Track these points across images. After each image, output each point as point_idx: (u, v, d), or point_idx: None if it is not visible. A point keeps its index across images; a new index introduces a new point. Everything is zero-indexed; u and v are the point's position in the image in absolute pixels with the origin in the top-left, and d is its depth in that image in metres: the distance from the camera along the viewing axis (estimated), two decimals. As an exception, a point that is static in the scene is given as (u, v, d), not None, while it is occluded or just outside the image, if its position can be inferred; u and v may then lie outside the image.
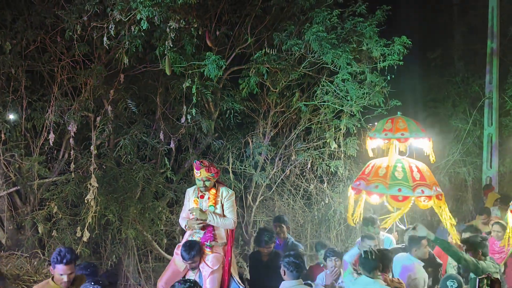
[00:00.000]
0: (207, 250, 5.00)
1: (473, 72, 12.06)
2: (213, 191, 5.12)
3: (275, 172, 8.73)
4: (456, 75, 12.31)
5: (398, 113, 6.56)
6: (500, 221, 7.14)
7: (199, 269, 4.97)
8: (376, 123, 7.11)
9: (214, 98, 8.17)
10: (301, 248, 6.28)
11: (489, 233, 7.08)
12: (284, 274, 4.32)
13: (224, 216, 5.08)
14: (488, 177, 10.83)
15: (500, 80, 11.03)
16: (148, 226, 7.47)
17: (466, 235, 6.45)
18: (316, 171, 8.81)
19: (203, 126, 8.00)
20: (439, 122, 11.55)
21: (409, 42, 8.05)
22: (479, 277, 3.29)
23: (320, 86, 8.42)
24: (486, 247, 5.50)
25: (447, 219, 5.98)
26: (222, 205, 5.10)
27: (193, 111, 7.52)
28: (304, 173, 8.98)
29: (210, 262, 4.95)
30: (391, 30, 8.88)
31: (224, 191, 5.14)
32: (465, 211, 10.96)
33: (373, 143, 6.41)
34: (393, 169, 5.93)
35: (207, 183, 5.02)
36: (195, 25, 7.25)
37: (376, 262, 4.43)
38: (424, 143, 6.13)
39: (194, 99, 7.48)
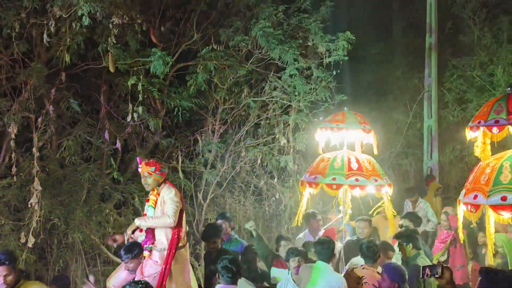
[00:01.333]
0: (146, 253, 4.78)
1: (413, 66, 12.54)
2: (155, 191, 4.88)
3: (225, 169, 8.67)
4: (397, 69, 12.76)
5: (345, 108, 6.77)
6: (446, 210, 7.45)
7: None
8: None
9: (161, 95, 8.01)
10: (244, 244, 6.27)
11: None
12: (219, 278, 4.15)
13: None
14: (429, 168, 11.32)
15: (439, 74, 11.55)
16: (95, 229, 7.25)
17: (405, 221, 6.74)
18: (266, 167, 8.85)
19: (150, 125, 7.82)
20: (382, 116, 11.89)
21: (353, 38, 8.28)
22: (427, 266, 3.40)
23: (268, 82, 8.50)
24: (417, 239, 5.53)
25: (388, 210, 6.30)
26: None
27: (140, 109, 7.36)
28: (255, 169, 8.99)
29: (144, 268, 4.75)
30: (336, 26, 9.11)
31: (165, 190, 4.84)
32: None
33: (320, 133, 6.66)
34: (333, 160, 6.32)
35: (149, 180, 4.79)
36: (139, 21, 7.10)
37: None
38: (359, 135, 6.46)
39: (140, 97, 7.33)
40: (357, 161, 6.24)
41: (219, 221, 6.38)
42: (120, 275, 4.91)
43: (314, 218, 6.56)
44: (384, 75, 12.76)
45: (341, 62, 8.41)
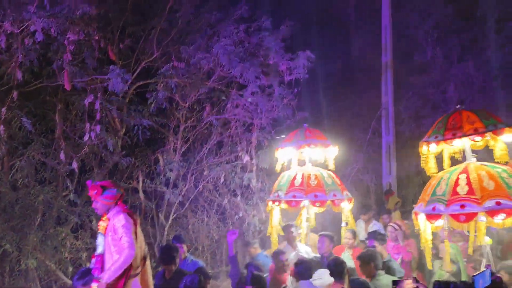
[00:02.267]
0: (94, 285, 4.34)
1: (370, 84, 12.84)
2: (105, 216, 4.53)
3: (187, 188, 8.49)
4: (355, 88, 13.05)
5: (304, 125, 6.83)
6: (392, 224, 7.50)
7: None
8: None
9: (120, 114, 7.79)
10: (201, 265, 6.05)
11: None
12: None
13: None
14: (388, 183, 11.53)
15: (395, 92, 11.88)
16: (51, 254, 6.89)
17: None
18: (229, 185, 8.74)
19: (108, 144, 7.56)
20: (342, 133, 12.09)
21: (312, 56, 8.39)
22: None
23: (230, 99, 8.43)
24: (377, 258, 5.47)
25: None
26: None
27: (97, 128, 7.11)
28: (218, 188, 8.86)
29: None
30: (295, 44, 9.21)
31: (114, 216, 4.45)
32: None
33: (280, 154, 6.75)
34: (281, 176, 6.60)
35: (97, 204, 4.50)
36: (96, 37, 6.90)
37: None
38: (318, 152, 6.56)
39: (98, 116, 7.09)
40: (302, 177, 6.34)
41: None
42: None
43: (290, 229, 6.50)
44: (343, 93, 13.00)
45: (301, 80, 8.48)
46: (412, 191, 11.64)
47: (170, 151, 8.47)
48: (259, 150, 8.66)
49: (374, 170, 11.99)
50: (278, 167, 6.79)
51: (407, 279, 3.48)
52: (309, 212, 6.39)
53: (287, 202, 6.27)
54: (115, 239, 4.39)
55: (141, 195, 8.21)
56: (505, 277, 4.87)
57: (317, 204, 6.21)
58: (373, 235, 6.97)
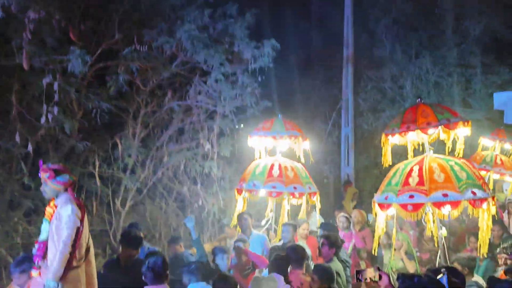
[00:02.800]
0: (34, 272, 4.16)
1: (331, 76, 13.01)
2: (52, 202, 4.29)
3: (146, 175, 8.34)
4: (317, 79, 13.17)
5: (279, 115, 6.74)
6: (343, 214, 7.69)
7: None
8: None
9: (78, 96, 7.52)
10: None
11: None
12: (145, 279, 4.04)
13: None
14: (346, 174, 11.78)
15: (355, 85, 12.08)
16: (1, 239, 6.59)
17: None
18: (190, 173, 8.64)
19: (65, 127, 7.28)
20: (302, 123, 12.20)
21: (278, 45, 8.37)
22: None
23: (193, 86, 8.31)
24: (340, 246, 5.62)
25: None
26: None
27: (55, 110, 6.84)
28: (177, 175, 8.74)
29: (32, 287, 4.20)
30: (260, 34, 9.16)
31: (62, 203, 4.19)
32: (327, 206, 11.73)
33: (250, 141, 6.67)
34: (257, 166, 6.42)
35: (45, 188, 4.24)
36: (57, 17, 6.60)
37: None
38: (286, 144, 6.51)
39: (55, 97, 6.82)
40: (280, 168, 6.26)
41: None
42: None
43: (244, 217, 6.46)
44: (305, 84, 13.10)
45: (266, 69, 8.46)
46: (370, 182, 11.92)
47: (129, 136, 8.27)
48: (220, 138, 8.60)
49: (332, 161, 12.19)
50: (257, 155, 6.68)
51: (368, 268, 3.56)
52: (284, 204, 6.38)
53: (268, 192, 6.15)
54: (59, 227, 4.17)
55: (97, 180, 7.99)
56: (458, 268, 5.08)
57: (296, 195, 6.18)
58: (325, 226, 7.11)
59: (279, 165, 6.31)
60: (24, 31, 6.13)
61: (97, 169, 7.98)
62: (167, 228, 8.78)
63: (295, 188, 6.16)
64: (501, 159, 7.98)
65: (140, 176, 8.29)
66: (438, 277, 3.29)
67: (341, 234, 7.24)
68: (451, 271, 3.71)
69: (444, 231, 5.17)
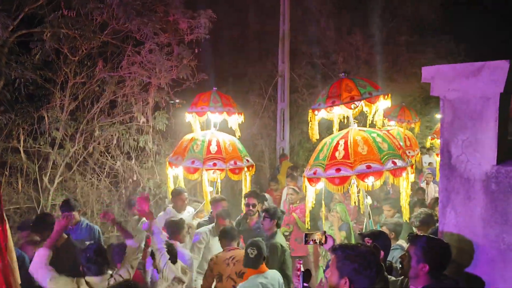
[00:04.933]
0: None
1: (268, 51, 13.01)
2: None
3: (76, 149, 7.89)
4: (253, 54, 13.11)
5: (214, 88, 6.60)
6: (292, 186, 7.85)
7: None
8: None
9: (-1, 64, 6.92)
10: (97, 229, 5.67)
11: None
12: (84, 271, 3.84)
13: None
14: (281, 148, 11.94)
15: (291, 60, 12.17)
16: None
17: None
18: (123, 147, 8.30)
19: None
20: (238, 98, 12.13)
21: (215, 16, 8.18)
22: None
23: (126, 56, 7.92)
24: (281, 218, 5.67)
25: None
26: None
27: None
28: (110, 150, 8.36)
29: None
30: (194, 4, 8.88)
31: None
32: (263, 179, 11.89)
33: (188, 116, 6.51)
34: (194, 142, 6.21)
35: None
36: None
37: None
38: (220, 118, 6.42)
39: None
40: (218, 144, 6.17)
41: (64, 213, 5.55)
42: None
43: (180, 195, 6.34)
44: (241, 58, 12.99)
45: (202, 41, 8.25)
46: (304, 156, 12.19)
47: (56, 108, 7.74)
48: (156, 111, 8.32)
49: (268, 136, 12.29)
50: (195, 129, 6.51)
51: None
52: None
53: (186, 168, 6.05)
54: None
55: (23, 155, 7.46)
56: (386, 232, 5.34)
57: (236, 171, 6.09)
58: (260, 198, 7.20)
59: (217, 141, 6.20)
60: None
61: (22, 144, 7.44)
62: (99, 205, 8.43)
63: (235, 163, 6.10)
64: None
65: (70, 151, 7.82)
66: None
67: (291, 208, 7.35)
68: (380, 235, 3.90)
69: (369, 200, 5.39)
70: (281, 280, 4.61)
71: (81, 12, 7.28)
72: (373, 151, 4.73)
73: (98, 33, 7.62)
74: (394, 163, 4.68)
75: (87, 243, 5.18)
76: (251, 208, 5.93)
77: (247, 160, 6.34)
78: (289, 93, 12.03)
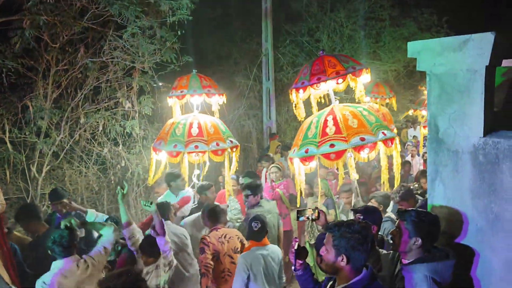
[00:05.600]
0: None
1: (251, 31, 12.89)
2: None
3: (62, 138, 7.81)
4: (236, 34, 12.99)
5: (194, 70, 6.61)
6: (276, 164, 7.92)
7: None
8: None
9: (-24, 54, 6.76)
10: (88, 217, 5.62)
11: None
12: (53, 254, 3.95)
13: None
14: (268, 127, 11.95)
15: (274, 39, 12.08)
16: None
17: (245, 180, 7.00)
18: (109, 134, 8.23)
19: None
20: (224, 79, 12.08)
21: (197, -4, 8.06)
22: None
23: (107, 41, 7.79)
24: (262, 189, 6.01)
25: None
26: None
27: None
28: (96, 137, 8.29)
29: None
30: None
31: None
32: (251, 159, 11.93)
33: (170, 101, 6.51)
34: (175, 126, 6.18)
35: None
36: None
37: None
38: (200, 100, 6.42)
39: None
40: (199, 126, 6.12)
41: (54, 203, 5.49)
42: None
43: (178, 178, 6.33)
44: (224, 39, 12.87)
45: (185, 22, 8.14)
46: (290, 135, 12.23)
47: (40, 97, 7.63)
48: (141, 95, 8.24)
49: (254, 116, 12.28)
50: (176, 113, 6.48)
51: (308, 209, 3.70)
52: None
53: (169, 152, 5.99)
54: None
55: (9, 146, 7.37)
56: (375, 205, 5.44)
57: (219, 152, 6.05)
58: (248, 174, 7.33)
59: (198, 124, 6.15)
60: None
61: (7, 134, 7.33)
62: (89, 192, 8.41)
63: (217, 144, 6.05)
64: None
65: (56, 140, 7.75)
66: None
67: (274, 185, 7.42)
68: (372, 211, 3.99)
69: (356, 175, 5.50)
70: (281, 256, 4.74)
71: (60, -2, 7.11)
72: (363, 124, 4.81)
73: (78, 19, 7.46)
74: (384, 133, 4.79)
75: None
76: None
77: (231, 141, 6.28)
78: (274, 72, 11.98)
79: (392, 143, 4.87)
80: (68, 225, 4.01)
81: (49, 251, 3.92)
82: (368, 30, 14.35)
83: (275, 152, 10.32)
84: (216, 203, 5.86)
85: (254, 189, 5.96)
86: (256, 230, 4.58)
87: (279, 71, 12.57)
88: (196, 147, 5.93)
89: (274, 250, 4.71)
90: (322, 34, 13.19)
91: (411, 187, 5.53)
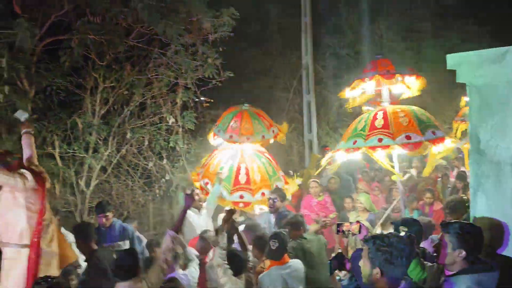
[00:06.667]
0: None
1: (290, 45, 12.93)
2: None
3: (109, 152, 8.06)
4: (275, 48, 13.07)
5: (245, 104, 6.20)
6: (314, 179, 7.73)
7: None
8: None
9: (28, 73, 7.06)
10: (131, 230, 5.67)
11: None
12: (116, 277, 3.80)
13: None
14: (309, 140, 11.86)
15: (314, 52, 12.07)
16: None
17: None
18: (155, 148, 8.43)
19: (17, 107, 6.83)
20: (262, 93, 12.16)
21: (237, 14, 8.18)
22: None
23: (152, 58, 8.03)
24: (303, 223, 5.37)
25: None
26: None
27: (5, 88, 6.41)
28: (142, 151, 8.51)
29: None
30: (219, 2, 8.88)
31: None
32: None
33: (216, 141, 6.28)
34: (221, 168, 5.90)
35: None
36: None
37: None
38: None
39: (5, 75, 6.38)
40: (247, 172, 5.78)
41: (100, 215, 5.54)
42: None
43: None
44: (264, 53, 12.98)
45: (226, 39, 8.28)
46: (332, 148, 12.09)
47: (88, 113, 7.92)
48: (184, 111, 8.41)
49: (295, 129, 12.25)
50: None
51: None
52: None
53: (234, 203, 5.70)
54: None
55: (58, 161, 7.65)
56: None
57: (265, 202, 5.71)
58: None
59: (246, 168, 5.81)
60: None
61: (57, 150, 7.63)
62: (135, 205, 8.60)
63: (263, 194, 5.76)
64: None
65: (104, 154, 8.00)
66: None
67: (314, 201, 7.29)
68: (412, 223, 4.00)
69: (413, 171, 5.61)
70: (303, 269, 4.52)
71: (106, 18, 7.38)
72: (412, 123, 5.05)
73: (124, 38, 7.73)
74: (434, 133, 5.01)
75: (120, 243, 5.33)
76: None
77: (276, 186, 5.88)
78: (314, 85, 11.94)
79: (443, 142, 5.05)
80: None
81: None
82: (409, 42, 14.15)
83: (316, 166, 10.15)
84: None
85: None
86: (274, 249, 4.31)
87: (320, 83, 12.53)
88: (241, 196, 5.71)
89: (296, 267, 4.44)
90: (361, 46, 13.09)
91: (462, 199, 5.33)
